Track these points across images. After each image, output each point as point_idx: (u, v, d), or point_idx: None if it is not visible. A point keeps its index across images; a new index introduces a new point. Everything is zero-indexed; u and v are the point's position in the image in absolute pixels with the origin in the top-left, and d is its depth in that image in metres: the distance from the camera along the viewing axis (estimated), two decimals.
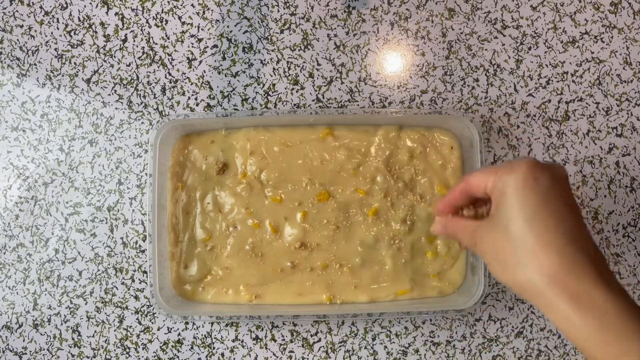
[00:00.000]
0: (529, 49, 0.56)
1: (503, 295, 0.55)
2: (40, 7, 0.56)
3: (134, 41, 0.56)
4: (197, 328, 0.55)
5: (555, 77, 0.56)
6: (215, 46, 0.56)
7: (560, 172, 0.35)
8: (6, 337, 0.55)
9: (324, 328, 0.55)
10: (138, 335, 0.55)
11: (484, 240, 0.36)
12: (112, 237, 0.55)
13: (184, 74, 0.56)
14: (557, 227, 0.33)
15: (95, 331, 0.55)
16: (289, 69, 0.56)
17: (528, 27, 0.56)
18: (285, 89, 0.56)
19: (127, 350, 0.55)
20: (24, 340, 0.55)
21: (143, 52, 0.56)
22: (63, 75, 0.56)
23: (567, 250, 0.32)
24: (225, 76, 0.56)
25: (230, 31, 0.56)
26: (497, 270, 0.35)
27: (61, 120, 0.56)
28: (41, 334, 0.55)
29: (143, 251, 0.55)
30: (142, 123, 0.56)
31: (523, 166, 0.34)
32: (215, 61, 0.56)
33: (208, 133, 0.54)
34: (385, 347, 0.55)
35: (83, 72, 0.56)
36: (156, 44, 0.56)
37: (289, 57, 0.56)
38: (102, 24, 0.56)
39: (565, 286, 0.32)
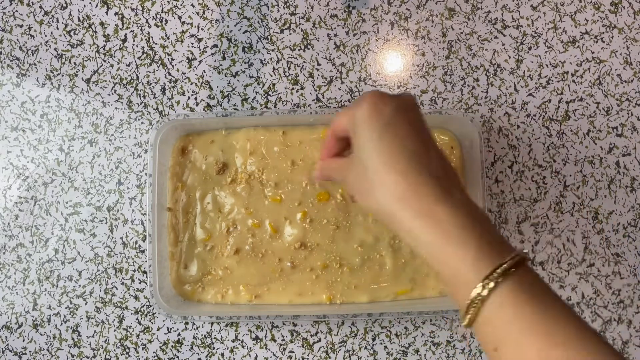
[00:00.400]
0: (529, 48, 0.56)
1: None
2: (40, 7, 0.56)
3: (134, 41, 0.56)
4: (197, 328, 0.55)
5: (556, 77, 0.56)
6: (215, 46, 0.56)
7: (406, 99, 0.37)
8: (6, 337, 0.55)
9: (324, 328, 0.55)
10: (138, 336, 0.55)
11: (348, 173, 0.38)
12: (112, 237, 0.55)
13: (184, 73, 0.56)
14: (400, 151, 0.34)
15: (95, 331, 0.55)
16: (289, 68, 0.56)
17: (528, 27, 0.56)
18: (285, 88, 0.56)
19: (127, 350, 0.55)
20: (23, 340, 0.55)
21: (143, 52, 0.56)
22: (63, 75, 0.56)
23: (410, 171, 0.34)
24: (225, 76, 0.56)
25: (230, 31, 0.56)
26: (359, 198, 0.37)
27: (61, 120, 0.56)
28: (41, 334, 0.55)
29: (143, 251, 0.55)
30: (142, 123, 0.56)
31: (367, 98, 0.36)
32: (215, 61, 0.56)
33: (208, 133, 0.54)
34: (385, 347, 0.55)
35: (83, 72, 0.56)
36: (156, 43, 0.56)
37: (289, 57, 0.56)
38: (102, 23, 0.56)
39: (410, 205, 0.33)
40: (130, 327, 0.55)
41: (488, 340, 0.32)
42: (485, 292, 0.31)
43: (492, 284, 0.31)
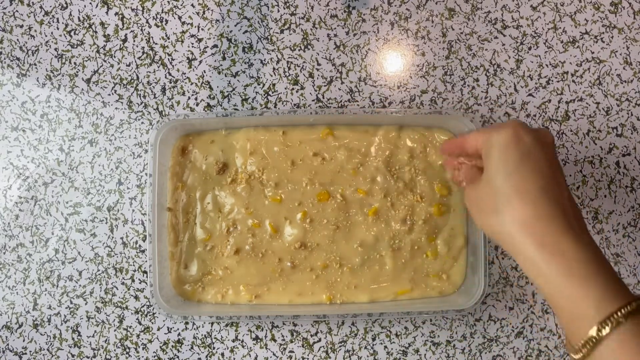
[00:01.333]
0: (529, 49, 0.56)
1: (503, 295, 0.55)
2: (40, 7, 0.56)
3: (134, 41, 0.56)
4: (197, 328, 0.55)
5: (556, 77, 0.56)
6: (215, 46, 0.56)
7: (545, 135, 0.38)
8: (6, 337, 0.55)
9: (324, 328, 0.55)
10: (138, 335, 0.55)
11: (474, 188, 0.39)
12: (112, 237, 0.55)
13: (184, 74, 0.56)
14: (534, 180, 0.35)
15: (95, 331, 0.55)
16: (289, 69, 0.56)
17: (528, 27, 0.56)
18: (285, 89, 0.56)
19: (127, 350, 0.55)
20: (24, 340, 0.55)
21: (143, 52, 0.56)
22: (63, 75, 0.56)
23: (540, 201, 0.35)
24: (225, 76, 0.56)
25: (230, 31, 0.56)
26: (476, 215, 0.39)
27: (61, 120, 0.56)
28: (41, 334, 0.55)
29: (143, 251, 0.55)
30: (142, 123, 0.56)
31: (509, 126, 0.37)
32: (215, 61, 0.56)
33: (208, 133, 0.54)
34: (385, 347, 0.55)
35: (83, 72, 0.56)
36: (156, 44, 0.56)
37: (289, 57, 0.56)
38: (102, 24, 0.56)
39: (534, 232, 0.34)
40: (130, 327, 0.55)
41: None
42: (605, 332, 0.31)
43: (613, 324, 0.31)
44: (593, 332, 0.32)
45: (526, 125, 0.38)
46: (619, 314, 0.32)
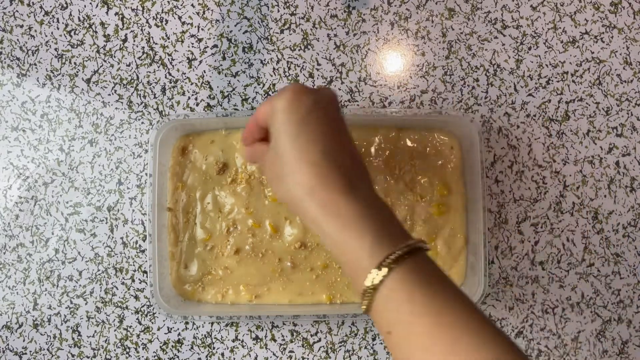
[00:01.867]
0: (529, 49, 0.56)
1: (503, 295, 0.55)
2: (40, 7, 0.56)
3: (134, 41, 0.56)
4: (197, 328, 0.55)
5: (555, 77, 0.56)
6: (215, 46, 0.56)
7: (325, 93, 0.39)
8: (6, 337, 0.55)
9: (324, 328, 0.55)
10: (138, 335, 0.55)
11: (265, 160, 0.40)
12: (112, 237, 0.55)
13: (184, 74, 0.56)
14: (315, 144, 0.36)
15: (95, 331, 0.55)
16: (289, 69, 0.56)
17: (528, 27, 0.56)
18: None
19: (127, 350, 0.55)
20: (24, 340, 0.55)
21: (143, 52, 0.56)
22: (63, 75, 0.56)
23: (321, 164, 0.35)
24: (225, 76, 0.56)
25: (230, 31, 0.56)
26: (272, 185, 0.39)
27: (61, 120, 0.56)
28: (41, 334, 0.55)
29: (143, 251, 0.55)
30: (142, 123, 0.56)
31: (288, 91, 0.37)
32: (215, 61, 0.56)
33: (208, 133, 0.54)
34: (386, 347, 0.55)
35: (83, 72, 0.56)
36: (156, 44, 0.56)
37: (289, 57, 0.56)
38: (102, 24, 0.56)
39: (317, 195, 0.35)
40: (130, 327, 0.55)
41: (383, 324, 0.34)
42: (379, 278, 0.33)
43: (385, 270, 0.33)
44: (368, 282, 0.33)
45: (305, 88, 0.38)
46: (387, 259, 0.33)
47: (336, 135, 0.37)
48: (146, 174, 0.55)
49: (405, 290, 0.33)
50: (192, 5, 0.56)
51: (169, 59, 0.56)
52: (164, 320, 0.55)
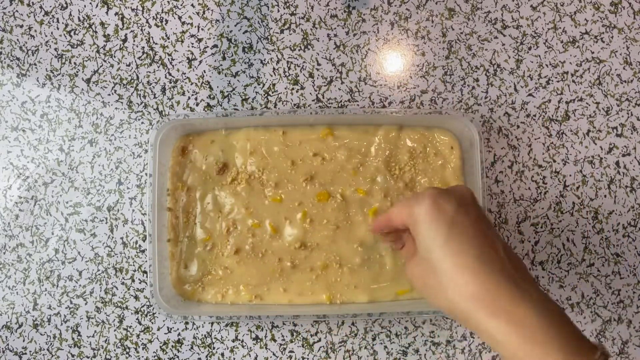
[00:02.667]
0: (529, 48, 0.56)
1: None
2: (40, 7, 0.56)
3: (134, 41, 0.56)
4: (197, 328, 0.55)
5: (556, 77, 0.56)
6: (215, 46, 0.56)
7: (463, 193, 0.37)
8: (6, 337, 0.55)
9: (324, 328, 0.55)
10: (138, 335, 0.55)
11: (414, 267, 0.38)
12: (112, 237, 0.55)
13: (184, 74, 0.56)
14: (467, 251, 0.34)
15: (95, 331, 0.55)
16: (289, 69, 0.56)
17: (528, 27, 0.56)
18: (285, 89, 0.56)
19: (127, 350, 0.55)
20: (24, 340, 0.55)
21: (143, 52, 0.56)
22: (63, 75, 0.56)
23: (480, 272, 0.34)
24: (225, 76, 0.56)
25: (230, 31, 0.56)
26: (423, 291, 0.37)
27: (61, 120, 0.56)
28: (41, 334, 0.55)
29: (143, 251, 0.55)
30: (142, 123, 0.56)
31: (426, 198, 0.36)
32: (215, 61, 0.56)
33: (208, 133, 0.54)
34: (385, 347, 0.55)
35: (83, 72, 0.56)
36: (156, 44, 0.56)
37: (289, 57, 0.56)
38: (102, 23, 0.56)
39: (485, 305, 0.33)
40: (130, 327, 0.55)
41: None
42: None
43: None
44: None
45: (444, 192, 0.37)
46: None
47: (487, 236, 0.36)
48: (146, 174, 0.55)
49: None
50: (192, 5, 0.56)
51: (169, 59, 0.56)
52: (164, 321, 0.55)
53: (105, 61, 0.56)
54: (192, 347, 0.55)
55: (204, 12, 0.56)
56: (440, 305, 0.36)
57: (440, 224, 0.35)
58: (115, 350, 0.55)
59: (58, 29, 0.56)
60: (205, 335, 0.55)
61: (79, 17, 0.56)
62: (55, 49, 0.56)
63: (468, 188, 0.38)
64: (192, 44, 0.56)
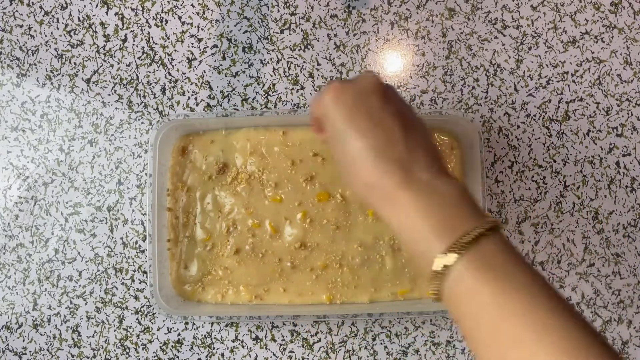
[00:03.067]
0: (529, 49, 0.56)
1: None
2: (40, 7, 0.56)
3: (134, 41, 0.56)
4: (197, 328, 0.55)
5: (556, 77, 0.56)
6: (215, 46, 0.56)
7: (365, 83, 0.38)
8: (6, 337, 0.55)
9: (324, 328, 0.55)
10: (138, 336, 0.55)
11: (333, 151, 0.40)
12: (112, 237, 0.55)
13: (184, 74, 0.56)
14: (362, 140, 0.36)
15: (95, 331, 0.55)
16: (289, 69, 0.56)
17: (528, 27, 0.56)
18: (285, 89, 0.56)
19: (127, 350, 0.55)
20: (23, 341, 0.55)
21: (143, 52, 0.56)
22: (63, 75, 0.56)
23: (371, 160, 0.35)
24: (225, 76, 0.56)
25: (230, 31, 0.56)
26: (343, 179, 0.39)
27: (61, 120, 0.56)
28: (41, 334, 0.55)
29: (143, 251, 0.55)
30: (142, 123, 0.56)
31: (330, 87, 0.38)
32: (215, 61, 0.56)
33: (208, 133, 0.54)
34: (386, 347, 0.55)
35: (83, 72, 0.56)
36: (156, 44, 0.56)
37: (289, 57, 0.56)
38: (102, 24, 0.56)
39: (376, 192, 0.35)
40: (130, 327, 0.55)
41: (453, 312, 0.33)
42: (445, 265, 0.32)
43: (452, 257, 0.31)
44: (435, 267, 0.32)
45: (345, 83, 0.38)
46: (456, 244, 0.31)
47: (385, 126, 0.37)
48: (146, 174, 0.55)
49: (472, 279, 0.31)
50: (192, 5, 0.56)
51: (169, 59, 0.56)
52: (163, 321, 0.55)
53: (105, 61, 0.56)
54: (192, 347, 0.55)
55: (204, 12, 0.56)
56: (350, 188, 0.39)
57: (339, 115, 0.37)
58: (115, 350, 0.55)
59: (58, 29, 0.56)
60: (205, 335, 0.55)
61: (79, 17, 0.56)
62: (55, 49, 0.56)
63: (373, 77, 0.39)
64: (192, 44, 0.56)
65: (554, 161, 0.56)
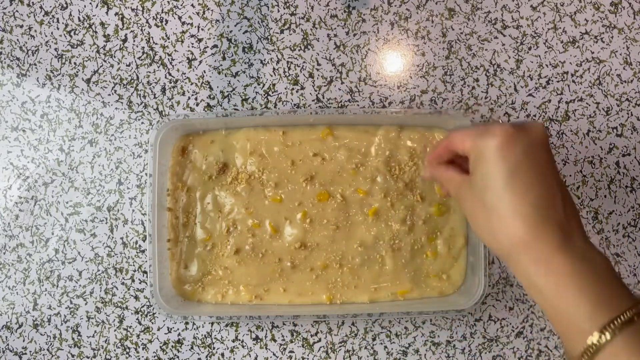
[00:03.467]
0: (529, 49, 0.56)
1: (503, 295, 0.55)
2: (40, 7, 0.56)
3: (134, 41, 0.56)
4: (197, 328, 0.55)
5: (556, 77, 0.56)
6: (215, 46, 0.56)
7: (537, 134, 0.36)
8: (6, 337, 0.55)
9: (324, 328, 0.55)
10: (138, 336, 0.55)
11: (466, 198, 0.38)
12: (112, 237, 0.55)
13: (184, 74, 0.56)
14: (525, 197, 0.34)
15: (95, 331, 0.55)
16: (289, 69, 0.56)
17: (528, 27, 0.56)
18: (285, 89, 0.56)
19: (127, 350, 0.55)
20: (24, 340, 0.55)
21: (143, 52, 0.56)
22: (63, 75, 0.56)
23: (533, 217, 0.34)
24: (225, 76, 0.56)
25: (230, 31, 0.56)
26: (476, 230, 0.38)
27: (61, 120, 0.56)
28: (41, 334, 0.55)
29: (143, 251, 0.55)
30: (142, 123, 0.56)
31: (499, 132, 0.35)
32: (215, 61, 0.56)
33: (208, 133, 0.54)
34: (386, 347, 0.55)
35: (83, 72, 0.56)
36: (156, 44, 0.56)
37: (289, 57, 0.56)
38: (102, 24, 0.56)
39: (530, 250, 0.34)
40: (130, 327, 0.55)
41: None
42: (600, 342, 0.31)
43: (609, 335, 0.31)
44: (589, 343, 0.31)
45: (517, 129, 0.35)
46: (612, 325, 0.31)
47: (550, 183, 0.35)
48: (146, 174, 0.55)
49: (630, 356, 0.31)
50: (192, 5, 0.56)
51: (169, 59, 0.56)
52: (164, 321, 0.55)
53: (105, 61, 0.56)
54: (192, 347, 0.55)
55: (204, 12, 0.56)
56: (485, 241, 0.37)
57: (505, 165, 0.35)
58: (115, 350, 0.55)
59: (58, 29, 0.56)
60: (205, 335, 0.55)
61: (79, 17, 0.56)
62: (55, 49, 0.56)
63: (543, 128, 0.37)
64: (192, 44, 0.56)
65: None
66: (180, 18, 0.56)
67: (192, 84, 0.56)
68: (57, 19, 0.56)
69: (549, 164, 0.36)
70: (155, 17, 0.56)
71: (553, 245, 0.33)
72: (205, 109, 0.56)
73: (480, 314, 0.55)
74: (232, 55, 0.56)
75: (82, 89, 0.56)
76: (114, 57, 0.56)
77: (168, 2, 0.56)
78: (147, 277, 0.55)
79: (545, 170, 0.36)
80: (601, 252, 0.35)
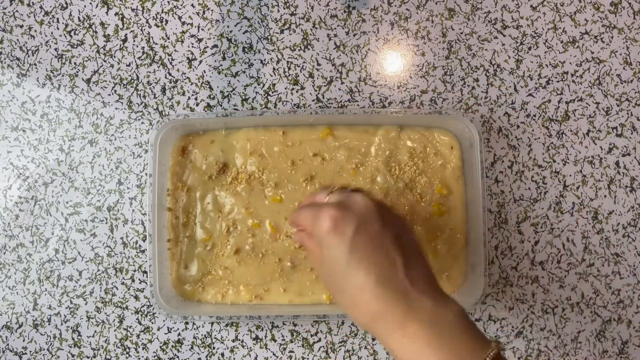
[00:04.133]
0: (529, 49, 0.56)
1: (503, 295, 0.55)
2: (40, 7, 0.56)
3: (134, 41, 0.56)
4: (197, 328, 0.55)
5: (555, 77, 0.56)
6: (215, 46, 0.56)
7: (362, 209, 0.38)
8: (6, 337, 0.55)
9: (324, 328, 0.55)
10: (138, 335, 0.55)
11: (323, 273, 0.40)
12: (112, 237, 0.55)
13: (184, 74, 0.56)
14: (367, 273, 0.36)
15: (95, 331, 0.55)
16: (289, 69, 0.56)
17: (528, 27, 0.56)
18: (285, 89, 0.56)
19: (127, 350, 0.55)
20: (24, 340, 0.55)
21: (143, 52, 0.56)
22: (63, 75, 0.56)
23: (378, 292, 0.36)
24: (225, 76, 0.56)
25: (230, 31, 0.56)
26: (338, 304, 0.39)
27: (61, 120, 0.56)
28: (41, 334, 0.55)
29: (143, 251, 0.55)
30: (142, 123, 0.56)
31: (327, 217, 0.37)
32: (215, 61, 0.56)
33: (208, 133, 0.54)
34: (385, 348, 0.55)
35: (83, 72, 0.56)
36: (156, 44, 0.56)
37: (289, 57, 0.56)
38: (102, 24, 0.56)
39: (382, 323, 0.36)
40: (130, 327, 0.55)
41: None
42: None
43: None
44: None
45: (343, 213, 0.37)
46: None
47: (386, 250, 0.37)
48: (146, 174, 0.55)
49: None
50: (192, 5, 0.56)
51: (169, 59, 0.56)
52: (164, 321, 0.55)
53: (105, 61, 0.56)
54: (192, 347, 0.55)
55: (204, 12, 0.56)
56: (347, 314, 0.38)
57: (340, 246, 0.37)
58: (115, 350, 0.55)
59: (58, 29, 0.56)
60: (205, 335, 0.55)
61: (79, 17, 0.56)
62: (56, 49, 0.56)
63: (367, 199, 0.39)
64: (192, 44, 0.56)
65: (554, 161, 0.56)
66: (180, 18, 0.56)
67: (192, 84, 0.56)
68: (57, 19, 0.56)
69: (382, 230, 0.38)
70: (155, 17, 0.56)
71: (402, 314, 0.35)
72: (205, 109, 0.56)
73: (480, 313, 0.55)
74: (232, 55, 0.56)
75: (82, 89, 0.56)
76: (114, 57, 0.56)
77: (168, 2, 0.56)
78: (147, 277, 0.55)
79: (379, 239, 0.37)
80: (454, 302, 0.37)
